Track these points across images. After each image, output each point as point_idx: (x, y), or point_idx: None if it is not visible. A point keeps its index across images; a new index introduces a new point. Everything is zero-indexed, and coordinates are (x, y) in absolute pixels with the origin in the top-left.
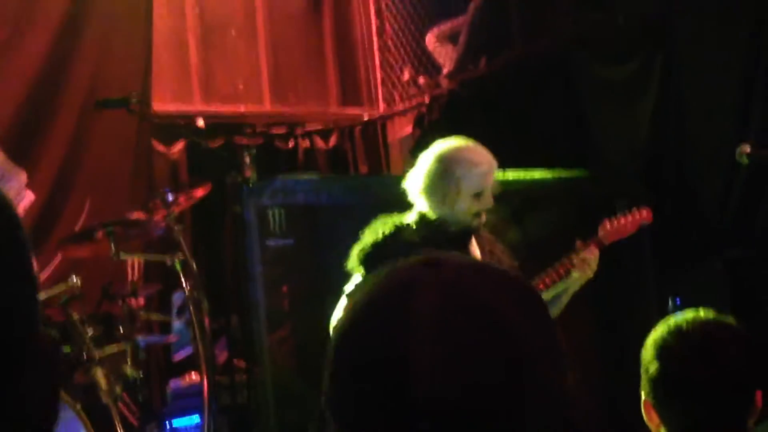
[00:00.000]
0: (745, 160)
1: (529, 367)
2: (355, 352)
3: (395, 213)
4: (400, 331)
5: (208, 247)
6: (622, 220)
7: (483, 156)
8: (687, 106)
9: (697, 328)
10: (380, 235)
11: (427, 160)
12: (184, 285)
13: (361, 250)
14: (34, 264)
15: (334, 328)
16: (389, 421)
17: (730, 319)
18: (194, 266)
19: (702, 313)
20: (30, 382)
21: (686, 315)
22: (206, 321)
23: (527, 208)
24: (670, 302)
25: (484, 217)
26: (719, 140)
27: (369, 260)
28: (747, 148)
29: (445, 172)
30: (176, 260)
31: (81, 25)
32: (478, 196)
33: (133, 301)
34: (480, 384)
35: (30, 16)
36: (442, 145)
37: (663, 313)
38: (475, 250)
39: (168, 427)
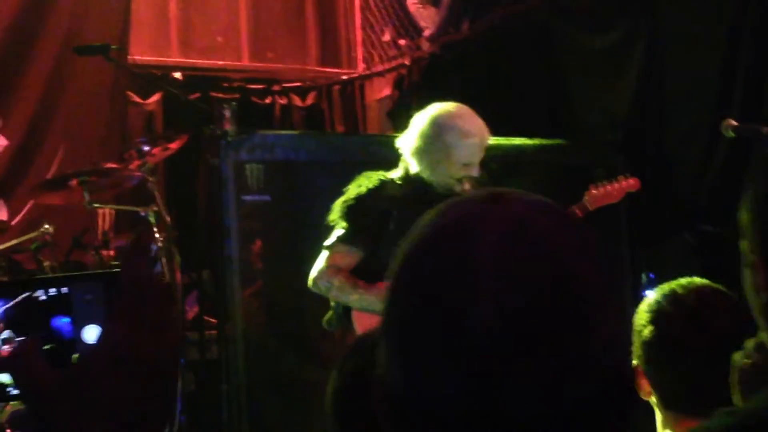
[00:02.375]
0: (730, 134)
1: (595, 316)
2: (421, 281)
3: (379, 170)
4: (464, 268)
5: (181, 200)
6: (609, 187)
7: (477, 127)
8: (669, 78)
9: (692, 292)
10: (364, 189)
11: (421, 121)
12: (156, 237)
13: (343, 202)
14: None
15: (400, 254)
16: (447, 354)
17: (723, 287)
18: (168, 219)
19: (696, 280)
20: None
21: (681, 281)
22: (178, 275)
23: (506, 174)
24: (643, 277)
25: (467, 185)
26: (700, 115)
27: (351, 212)
28: (732, 122)
29: (438, 137)
30: (150, 212)
31: None
32: (466, 165)
33: (104, 252)
34: (544, 331)
35: None
36: (439, 109)
37: (637, 288)
38: None
39: None
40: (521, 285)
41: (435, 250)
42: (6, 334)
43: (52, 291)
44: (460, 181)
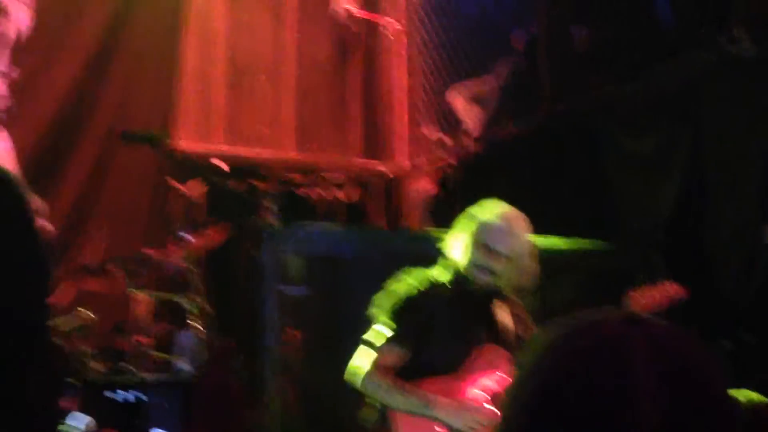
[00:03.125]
0: None
1: (734, 421)
2: (579, 398)
3: (420, 267)
4: (626, 384)
5: (221, 291)
6: (651, 293)
7: (505, 216)
8: (711, 183)
9: (748, 408)
10: (414, 291)
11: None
12: (193, 326)
13: (393, 303)
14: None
15: (527, 368)
16: None
17: None
18: (208, 308)
19: (752, 394)
20: (34, 384)
21: (736, 393)
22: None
23: (545, 276)
24: None
25: (486, 275)
26: (742, 220)
27: (401, 313)
28: None
29: (467, 224)
30: (190, 302)
31: (110, 58)
32: (489, 250)
33: (143, 339)
34: None
35: (61, 45)
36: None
37: None
38: (501, 312)
39: None
40: (678, 393)
41: (593, 364)
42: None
43: (129, 395)
44: (482, 269)
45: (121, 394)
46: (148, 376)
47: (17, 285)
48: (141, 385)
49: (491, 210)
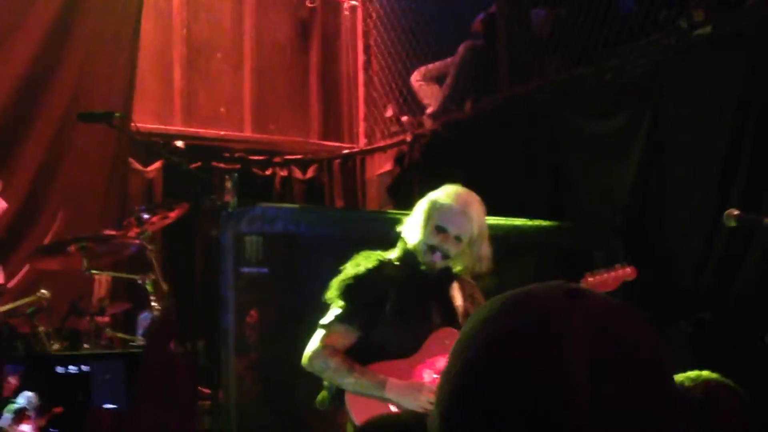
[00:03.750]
0: (732, 223)
1: (676, 417)
2: (508, 368)
3: (377, 249)
4: (555, 360)
5: (178, 270)
6: (605, 275)
7: (459, 198)
8: (670, 166)
9: (698, 385)
10: (362, 269)
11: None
12: (152, 305)
13: (342, 282)
14: None
15: (461, 346)
16: None
17: (729, 380)
18: (165, 287)
19: (704, 373)
20: None
21: (688, 374)
22: (172, 344)
23: (503, 256)
24: None
25: (438, 257)
26: (701, 203)
27: (349, 292)
28: (735, 211)
29: (419, 205)
30: (147, 280)
31: (67, 37)
32: (440, 231)
33: (99, 319)
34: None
35: (16, 23)
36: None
37: None
38: (456, 293)
39: None
40: (612, 383)
41: (519, 343)
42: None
43: (72, 368)
44: (431, 249)
45: (63, 368)
46: (93, 350)
47: None
48: (85, 358)
49: (445, 191)
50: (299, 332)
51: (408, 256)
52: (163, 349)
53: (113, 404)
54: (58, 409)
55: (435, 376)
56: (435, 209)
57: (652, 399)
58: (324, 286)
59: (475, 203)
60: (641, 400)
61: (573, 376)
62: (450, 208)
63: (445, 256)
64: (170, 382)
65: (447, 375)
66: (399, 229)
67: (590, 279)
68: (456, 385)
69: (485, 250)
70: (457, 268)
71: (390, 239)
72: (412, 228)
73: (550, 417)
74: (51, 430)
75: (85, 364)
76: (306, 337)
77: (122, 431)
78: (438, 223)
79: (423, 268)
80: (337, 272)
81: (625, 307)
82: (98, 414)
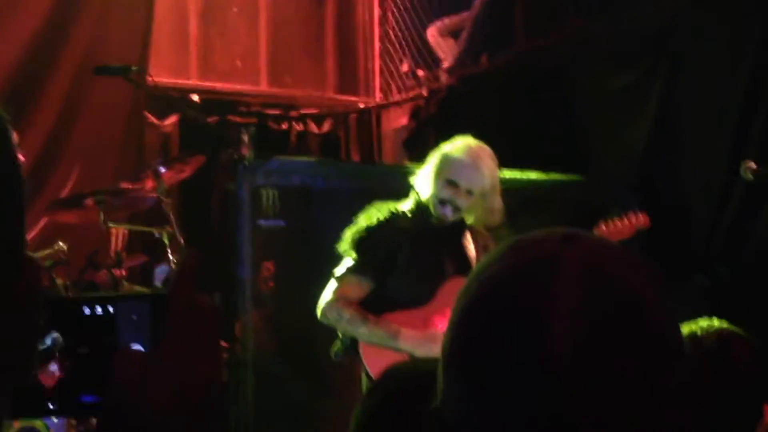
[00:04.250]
0: (749, 176)
1: (668, 359)
2: (500, 311)
3: (390, 201)
4: (545, 300)
5: (194, 223)
6: (619, 224)
7: (470, 151)
8: (686, 119)
9: (711, 335)
10: (374, 221)
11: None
12: (169, 258)
13: (354, 234)
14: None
15: (460, 296)
16: (525, 392)
17: (742, 330)
18: (181, 240)
19: (716, 321)
20: (9, 314)
21: (700, 322)
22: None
23: (519, 209)
24: None
25: (449, 212)
26: (716, 157)
27: (361, 244)
28: (752, 164)
29: (437, 155)
30: (164, 233)
31: None
32: (451, 185)
33: (116, 271)
34: (620, 371)
35: None
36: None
37: None
38: (469, 244)
39: None
40: (599, 324)
41: (512, 286)
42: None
43: (98, 310)
44: (442, 202)
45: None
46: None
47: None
48: (110, 299)
49: (456, 145)
50: (316, 285)
51: (420, 208)
52: (188, 291)
53: (139, 346)
54: (82, 351)
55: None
56: (446, 163)
57: (642, 339)
58: (340, 237)
59: (486, 156)
60: (630, 340)
61: (562, 316)
62: (461, 162)
63: (456, 210)
64: (196, 325)
65: (449, 325)
66: (411, 180)
67: (604, 227)
68: (454, 333)
69: (497, 202)
70: (469, 220)
71: (405, 192)
72: (423, 181)
73: (535, 355)
74: (76, 371)
75: (110, 305)
76: (322, 289)
77: (150, 372)
78: (449, 176)
79: (434, 221)
80: (353, 223)
81: (622, 250)
82: (127, 355)
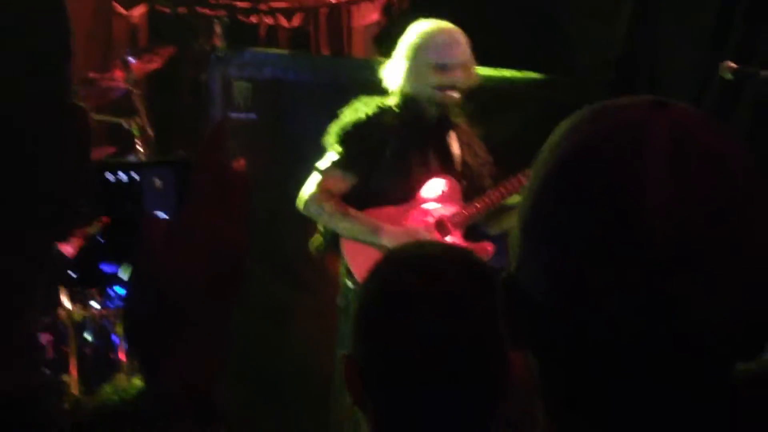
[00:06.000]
0: (728, 76)
1: (756, 221)
2: (587, 177)
3: (364, 95)
4: (636, 166)
5: (164, 115)
6: None
7: (448, 31)
8: (663, 17)
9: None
10: (363, 115)
11: (401, 41)
12: (137, 150)
13: (341, 128)
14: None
15: (542, 161)
16: (618, 252)
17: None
18: (150, 132)
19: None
20: (63, 150)
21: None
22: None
23: (495, 106)
24: None
25: (455, 93)
26: (694, 56)
27: (348, 138)
28: (732, 64)
29: (408, 44)
30: (133, 124)
31: None
32: (440, 68)
33: None
34: (709, 232)
35: None
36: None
37: None
38: (453, 141)
39: None
40: (694, 193)
41: (600, 152)
42: None
43: (122, 176)
44: (441, 89)
45: (112, 175)
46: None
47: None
48: (134, 166)
49: (426, 29)
50: (287, 178)
51: (407, 102)
52: (216, 157)
53: (164, 213)
54: (105, 219)
55: (429, 220)
56: (426, 50)
57: (739, 212)
58: (312, 132)
59: (456, 30)
60: (722, 208)
61: (654, 188)
62: (443, 42)
63: (454, 88)
64: (223, 190)
65: (528, 191)
66: (381, 74)
67: None
68: (536, 200)
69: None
70: (456, 118)
71: (378, 87)
72: (404, 73)
73: (626, 222)
74: (99, 238)
75: (135, 172)
76: (293, 182)
77: (176, 240)
78: (436, 61)
79: (423, 114)
80: (327, 117)
81: (712, 119)
82: (154, 222)
